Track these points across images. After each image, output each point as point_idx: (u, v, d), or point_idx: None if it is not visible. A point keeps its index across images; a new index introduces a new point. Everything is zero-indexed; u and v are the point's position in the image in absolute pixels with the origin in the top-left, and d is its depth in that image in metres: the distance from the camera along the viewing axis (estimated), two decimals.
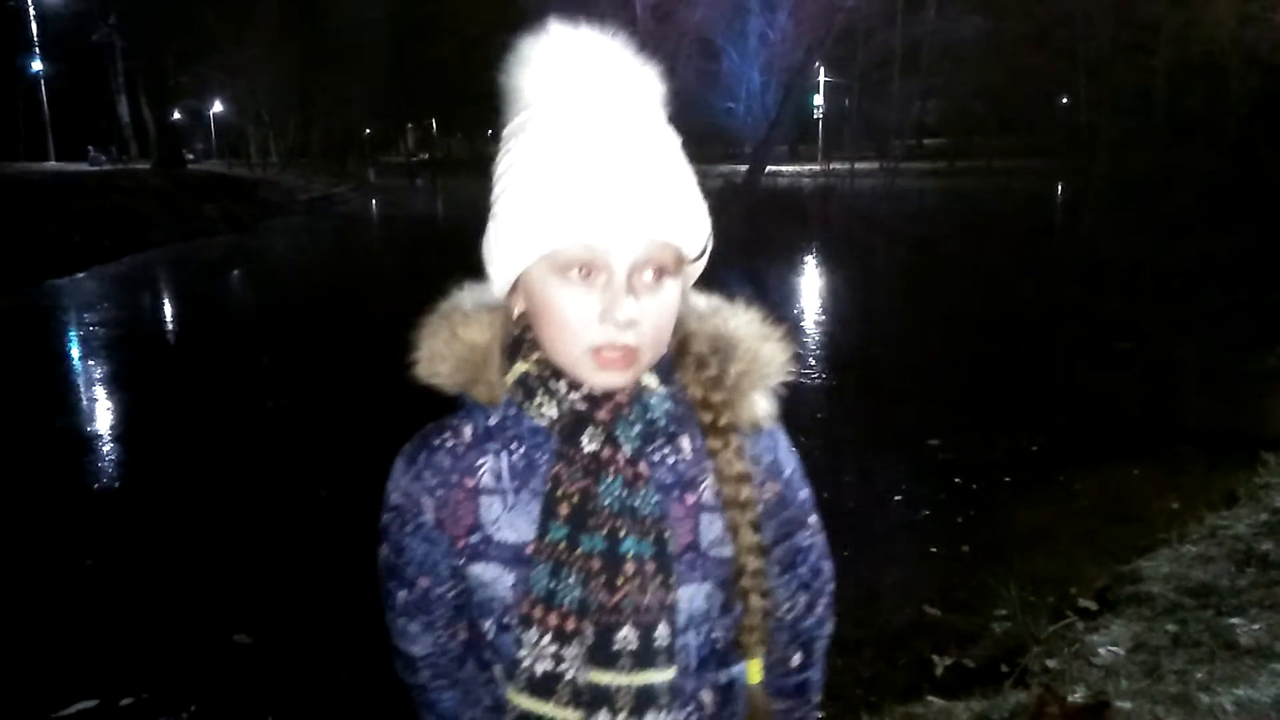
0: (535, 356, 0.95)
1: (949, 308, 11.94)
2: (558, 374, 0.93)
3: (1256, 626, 2.99)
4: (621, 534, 0.91)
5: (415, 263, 16.38)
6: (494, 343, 0.97)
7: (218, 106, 46.38)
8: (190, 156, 42.40)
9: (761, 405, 0.99)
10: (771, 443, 1.02)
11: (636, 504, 0.91)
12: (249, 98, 43.94)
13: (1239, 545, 3.76)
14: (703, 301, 1.02)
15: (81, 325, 12.62)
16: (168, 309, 15.23)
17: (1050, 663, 3.05)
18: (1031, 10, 28.05)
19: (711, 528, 0.96)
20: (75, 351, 11.15)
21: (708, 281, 1.03)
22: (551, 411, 0.93)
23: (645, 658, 0.91)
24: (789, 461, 1.04)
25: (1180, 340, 9.27)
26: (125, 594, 4.48)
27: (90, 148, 34.63)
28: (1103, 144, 27.18)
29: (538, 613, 0.91)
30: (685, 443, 0.97)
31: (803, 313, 12.32)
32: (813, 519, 1.08)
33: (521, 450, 0.95)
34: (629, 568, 0.90)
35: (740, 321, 1.00)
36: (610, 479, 0.92)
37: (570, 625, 0.90)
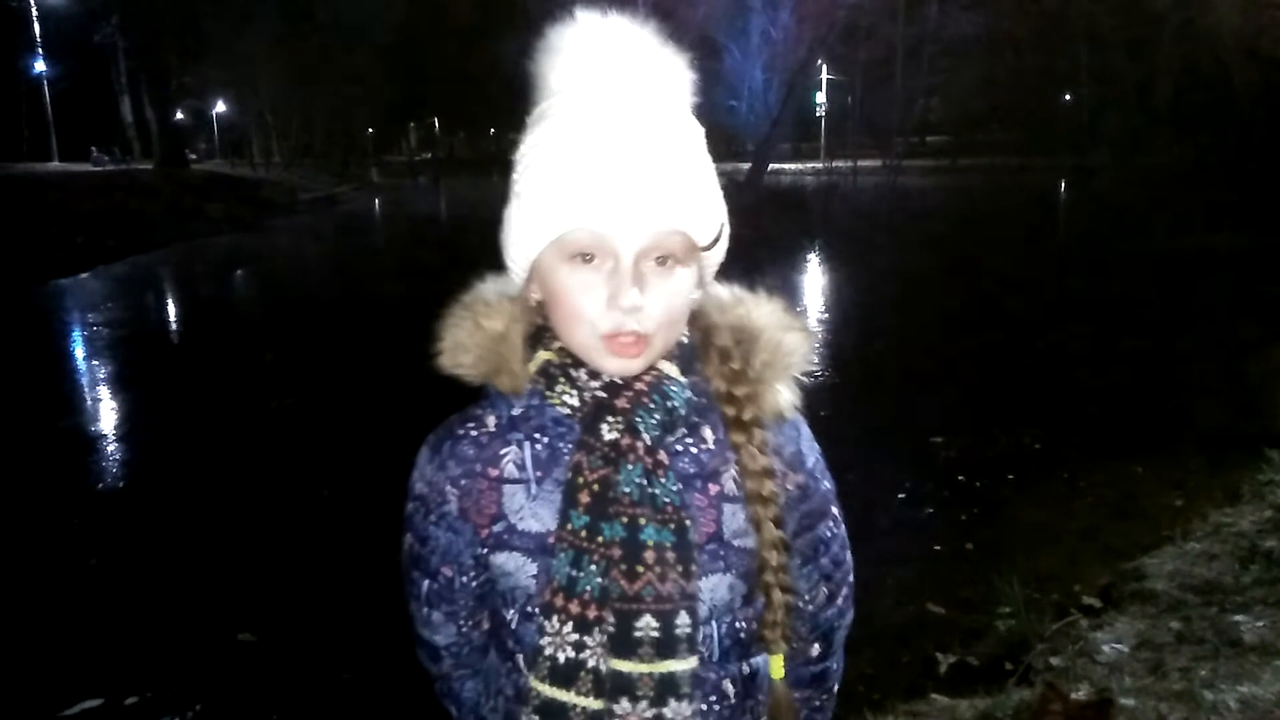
0: (557, 345, 0.95)
1: (951, 305, 11.91)
2: (579, 362, 0.93)
3: (1260, 624, 2.98)
4: (641, 522, 0.90)
5: (418, 262, 16.37)
6: (516, 332, 0.97)
7: (220, 106, 46.49)
8: (193, 156, 42.46)
9: (784, 395, 0.98)
10: (794, 433, 1.02)
11: (656, 492, 0.91)
12: (252, 98, 44.00)
13: (1243, 542, 3.74)
14: (725, 292, 1.02)
15: (85, 325, 12.64)
16: (171, 309, 15.25)
17: (1054, 660, 3.04)
18: (1033, 7, 28.02)
19: (735, 518, 0.95)
20: (79, 351, 11.17)
21: (717, 278, 1.03)
22: (573, 400, 0.93)
23: (667, 647, 0.90)
24: (811, 453, 1.04)
25: (1184, 337, 9.25)
26: (129, 593, 4.49)
27: (93, 148, 34.71)
28: (1105, 141, 27.15)
29: (559, 601, 0.91)
30: (708, 433, 0.97)
31: (805, 310, 12.29)
32: (835, 510, 1.08)
33: (545, 440, 0.96)
34: (649, 556, 0.90)
35: (763, 312, 1.00)
36: (630, 467, 0.91)
37: (591, 613, 0.90)
